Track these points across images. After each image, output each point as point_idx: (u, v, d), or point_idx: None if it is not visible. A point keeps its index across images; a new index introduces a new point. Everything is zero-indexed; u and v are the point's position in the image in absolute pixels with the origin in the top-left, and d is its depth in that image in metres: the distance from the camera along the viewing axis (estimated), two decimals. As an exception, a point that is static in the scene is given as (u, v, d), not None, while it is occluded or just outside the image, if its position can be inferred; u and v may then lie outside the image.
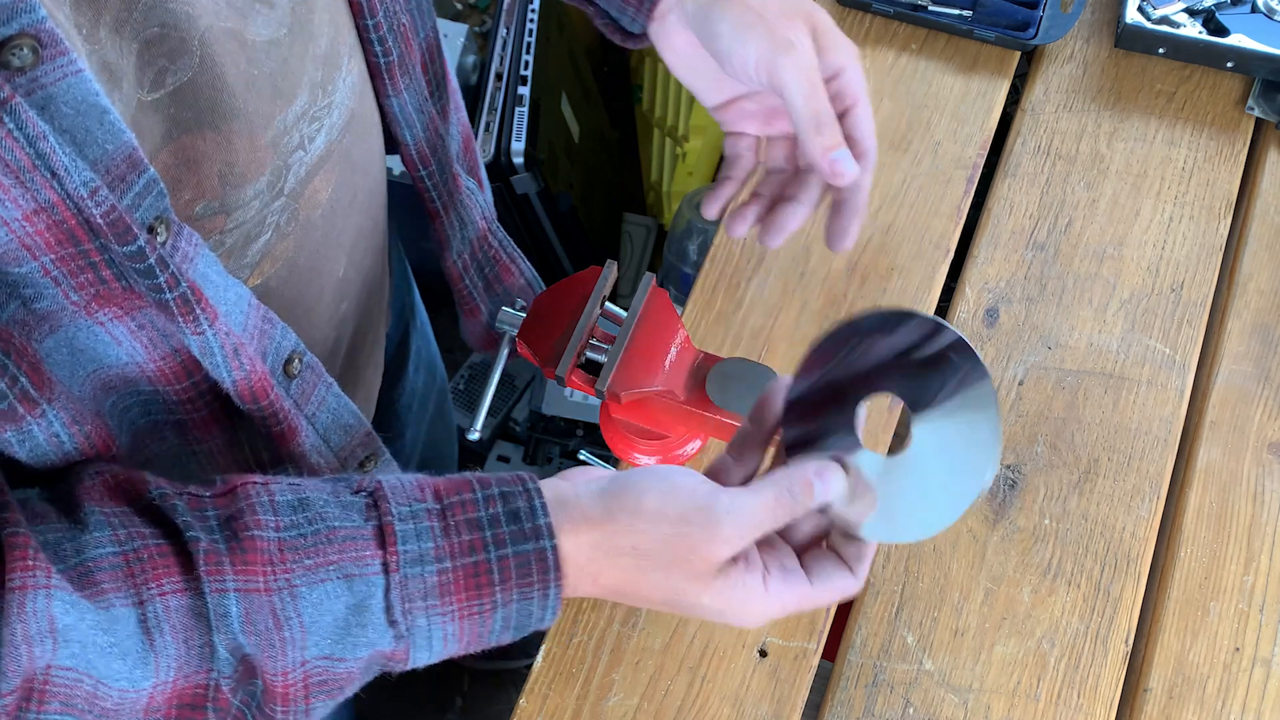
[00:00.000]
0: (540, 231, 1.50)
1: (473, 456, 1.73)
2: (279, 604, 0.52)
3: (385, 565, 0.53)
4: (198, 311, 0.52)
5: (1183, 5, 0.94)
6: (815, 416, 0.59)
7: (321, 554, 0.52)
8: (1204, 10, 0.94)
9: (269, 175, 0.59)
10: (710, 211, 0.78)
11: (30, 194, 0.45)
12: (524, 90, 1.37)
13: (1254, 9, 0.93)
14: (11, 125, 0.43)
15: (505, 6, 1.40)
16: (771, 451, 0.61)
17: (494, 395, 0.79)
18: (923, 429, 0.58)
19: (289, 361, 0.60)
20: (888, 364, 0.58)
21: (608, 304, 0.73)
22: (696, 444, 0.82)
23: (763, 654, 0.76)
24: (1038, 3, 0.96)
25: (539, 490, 0.55)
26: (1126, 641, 0.77)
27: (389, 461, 0.69)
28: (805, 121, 0.69)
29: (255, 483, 0.53)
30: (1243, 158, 0.93)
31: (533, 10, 1.40)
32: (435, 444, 1.15)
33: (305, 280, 0.66)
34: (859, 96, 0.72)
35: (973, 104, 0.94)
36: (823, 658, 0.78)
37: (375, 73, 0.69)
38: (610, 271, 0.72)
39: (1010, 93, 0.96)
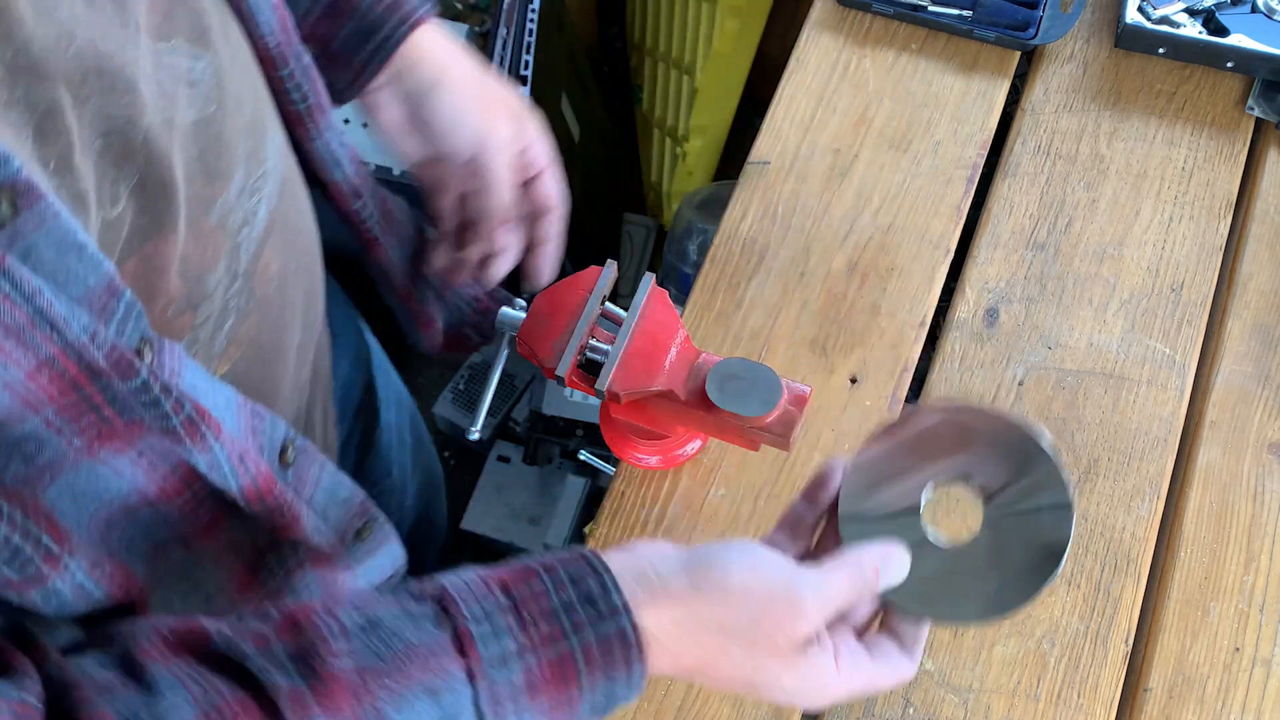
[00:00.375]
0: (540, 231, 1.50)
1: (472, 456, 1.73)
2: None
3: (469, 673, 0.51)
4: (203, 429, 0.51)
5: (1183, 5, 0.94)
6: (873, 493, 0.60)
7: (403, 673, 0.50)
8: (1204, 10, 0.94)
9: (225, 260, 0.58)
10: (438, 266, 0.86)
11: (31, 352, 0.44)
12: (524, 90, 1.37)
13: (1254, 9, 0.93)
14: (8, 287, 0.42)
15: (505, 6, 1.40)
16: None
17: (494, 395, 0.79)
18: (991, 519, 0.59)
19: (283, 451, 0.59)
20: (960, 450, 0.59)
21: (608, 304, 0.73)
22: (696, 444, 0.82)
23: (763, 654, 0.76)
24: (1038, 3, 0.96)
25: (606, 568, 0.54)
26: (1126, 641, 0.77)
27: (384, 525, 0.69)
28: (489, 204, 0.81)
29: (318, 611, 0.52)
30: (1243, 158, 0.93)
31: (532, 10, 1.40)
32: (422, 470, 1.15)
33: (269, 358, 0.66)
34: (544, 164, 0.82)
35: (973, 104, 0.94)
36: (823, 658, 0.78)
37: (295, 121, 0.70)
38: (610, 271, 0.72)
39: (1010, 93, 0.96)
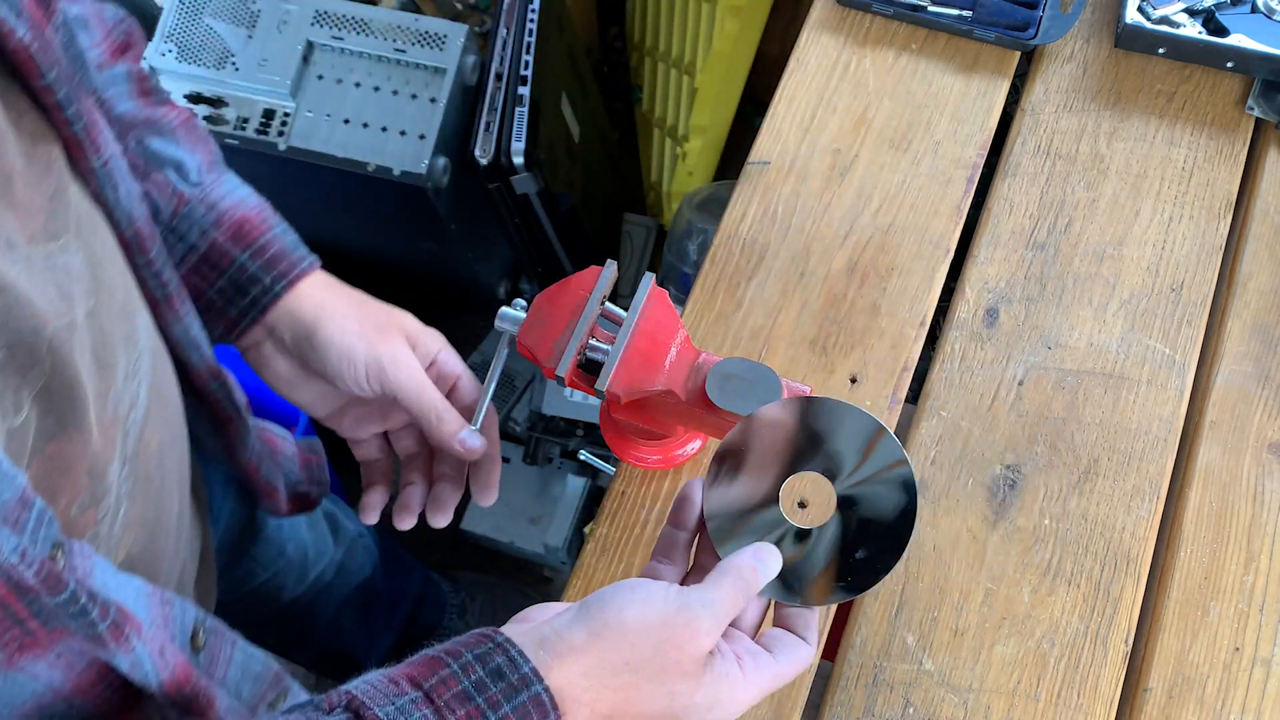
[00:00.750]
0: (540, 231, 1.50)
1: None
2: None
3: None
4: (126, 630, 0.51)
5: (1183, 5, 0.94)
6: (734, 500, 0.64)
7: None
8: (1204, 10, 0.94)
9: (119, 448, 0.58)
10: (370, 518, 0.82)
11: None
12: (524, 90, 1.37)
13: (1254, 9, 0.93)
14: None
15: (505, 6, 1.40)
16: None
17: (494, 395, 0.79)
18: (843, 495, 0.63)
19: (194, 635, 0.59)
20: (801, 442, 0.64)
21: (608, 304, 0.73)
22: (696, 444, 0.82)
23: (763, 654, 0.76)
24: (1038, 3, 0.96)
25: (510, 640, 0.55)
26: (1126, 641, 0.77)
27: (298, 693, 0.68)
28: (426, 416, 0.76)
29: None
30: (1243, 158, 0.93)
31: (533, 10, 1.40)
32: (327, 531, 1.16)
33: (155, 534, 0.65)
34: (459, 369, 0.79)
35: (973, 104, 0.94)
36: (823, 658, 0.78)
37: (155, 305, 0.68)
38: (610, 271, 0.72)
39: (1010, 93, 0.96)
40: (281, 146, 1.29)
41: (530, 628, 0.57)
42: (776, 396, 0.68)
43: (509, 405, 1.62)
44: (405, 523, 0.81)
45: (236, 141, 1.28)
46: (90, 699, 0.55)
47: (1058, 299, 0.87)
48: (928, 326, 0.87)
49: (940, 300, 0.89)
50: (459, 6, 1.55)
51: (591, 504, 1.58)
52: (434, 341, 0.79)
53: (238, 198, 0.77)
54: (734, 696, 0.58)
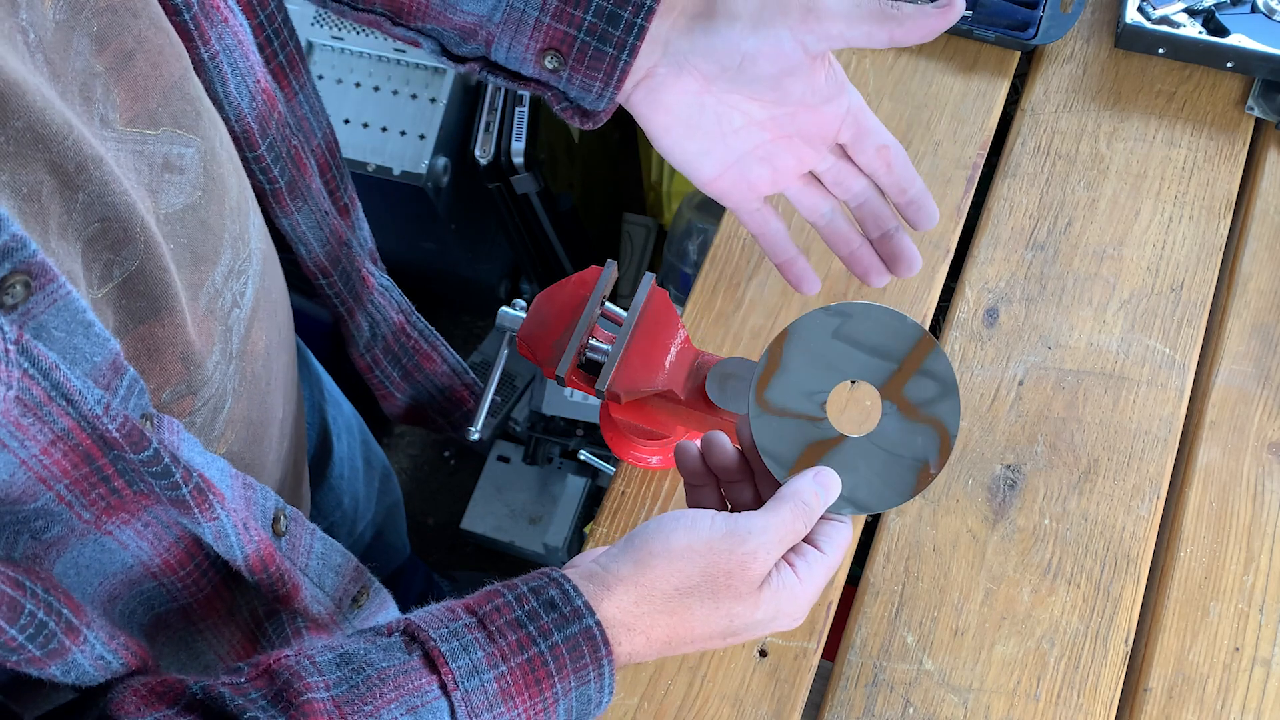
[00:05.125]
0: (540, 231, 1.50)
1: (472, 456, 1.73)
2: None
3: (444, 686, 0.52)
4: (210, 498, 0.51)
5: (1183, 5, 0.94)
6: (785, 429, 0.63)
7: (379, 697, 0.51)
8: (1204, 10, 0.94)
9: (219, 343, 0.58)
10: (813, 288, 0.76)
11: (47, 426, 0.44)
12: (524, 91, 1.37)
13: (1254, 9, 0.93)
14: (28, 365, 0.42)
15: (505, 6, 1.40)
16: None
17: (494, 395, 0.79)
18: (888, 405, 0.63)
19: (275, 521, 0.60)
20: (847, 353, 0.63)
21: (608, 304, 0.73)
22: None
23: (763, 654, 0.76)
24: (1038, 3, 0.96)
25: (565, 576, 0.56)
26: (1126, 641, 0.77)
27: (380, 589, 0.69)
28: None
29: (289, 655, 0.52)
30: (1242, 158, 0.93)
31: (533, 10, 1.40)
32: (375, 493, 1.16)
33: (259, 435, 0.66)
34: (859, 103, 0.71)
35: (973, 104, 0.94)
36: (823, 658, 0.78)
37: (262, 197, 0.69)
38: (610, 271, 0.72)
39: (1010, 93, 0.96)
40: (281, 146, 1.29)
41: (580, 568, 0.57)
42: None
43: (509, 405, 1.62)
44: (877, 280, 0.74)
45: (236, 141, 1.28)
46: (179, 578, 0.56)
47: (1058, 299, 0.87)
48: (928, 326, 0.87)
49: (940, 300, 0.89)
50: (459, 6, 1.55)
51: (591, 504, 1.58)
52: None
53: None
54: (796, 602, 0.59)
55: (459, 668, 0.52)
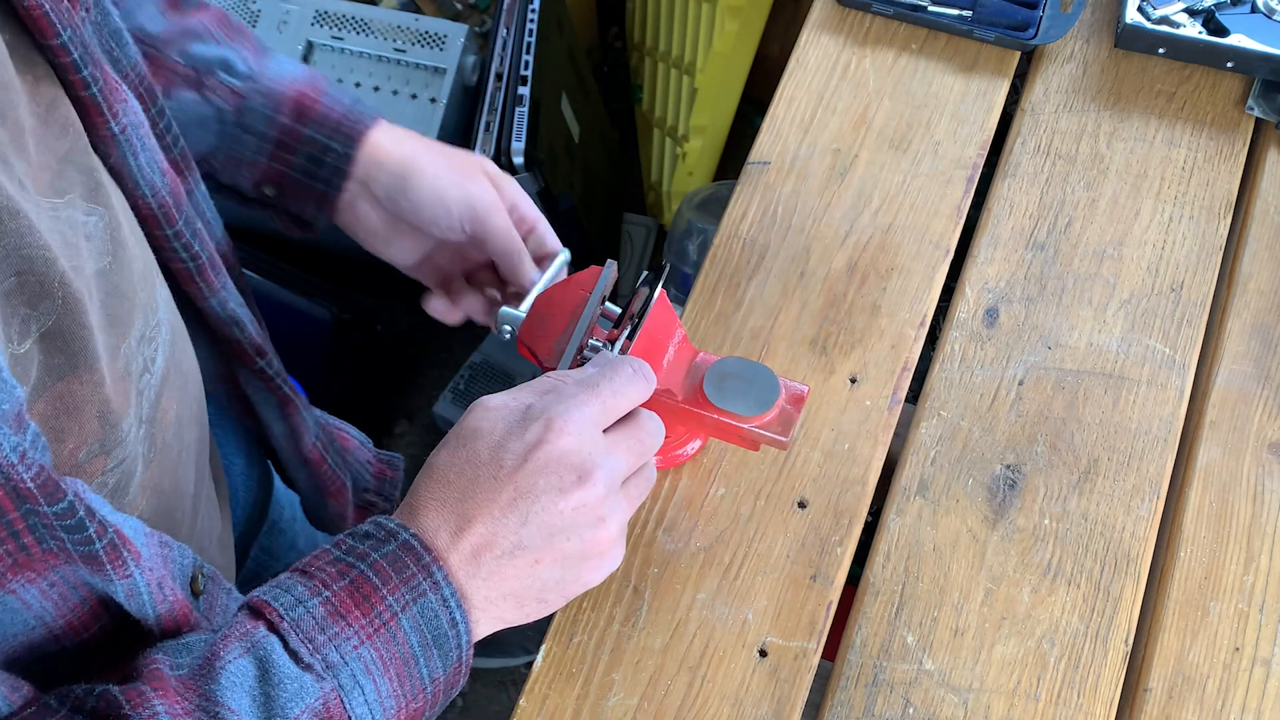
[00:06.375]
0: (540, 231, 1.50)
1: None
2: (202, 707, 0.52)
3: (271, 624, 0.54)
4: (125, 554, 0.51)
5: (1183, 5, 0.94)
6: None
7: (219, 657, 0.53)
8: (1204, 10, 0.94)
9: (134, 406, 0.59)
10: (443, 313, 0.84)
11: None
12: (524, 90, 1.37)
13: (1254, 9, 0.93)
14: None
15: (505, 6, 1.40)
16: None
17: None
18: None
19: (194, 580, 0.60)
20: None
21: (608, 304, 0.73)
22: (696, 444, 0.82)
23: (763, 654, 0.76)
24: (1038, 3, 0.96)
25: (381, 515, 0.59)
26: (1126, 641, 0.77)
27: None
28: (511, 257, 0.79)
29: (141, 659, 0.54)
30: (1242, 158, 0.93)
31: (533, 10, 1.40)
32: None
33: (171, 505, 0.66)
34: (536, 217, 0.81)
35: (973, 104, 0.94)
36: (823, 658, 0.78)
37: (185, 280, 0.70)
38: (610, 271, 0.72)
39: (1010, 93, 0.96)
40: (281, 146, 1.29)
41: (402, 503, 0.61)
42: (774, 396, 0.68)
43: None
44: (452, 317, 0.84)
45: (236, 141, 1.28)
46: (82, 640, 0.55)
47: (1058, 299, 0.87)
48: (928, 326, 0.87)
49: (940, 300, 0.89)
50: (459, 6, 1.55)
51: (591, 504, 1.57)
52: (511, 186, 0.81)
53: (289, 77, 0.78)
54: (572, 407, 0.60)
55: (281, 605, 0.54)
